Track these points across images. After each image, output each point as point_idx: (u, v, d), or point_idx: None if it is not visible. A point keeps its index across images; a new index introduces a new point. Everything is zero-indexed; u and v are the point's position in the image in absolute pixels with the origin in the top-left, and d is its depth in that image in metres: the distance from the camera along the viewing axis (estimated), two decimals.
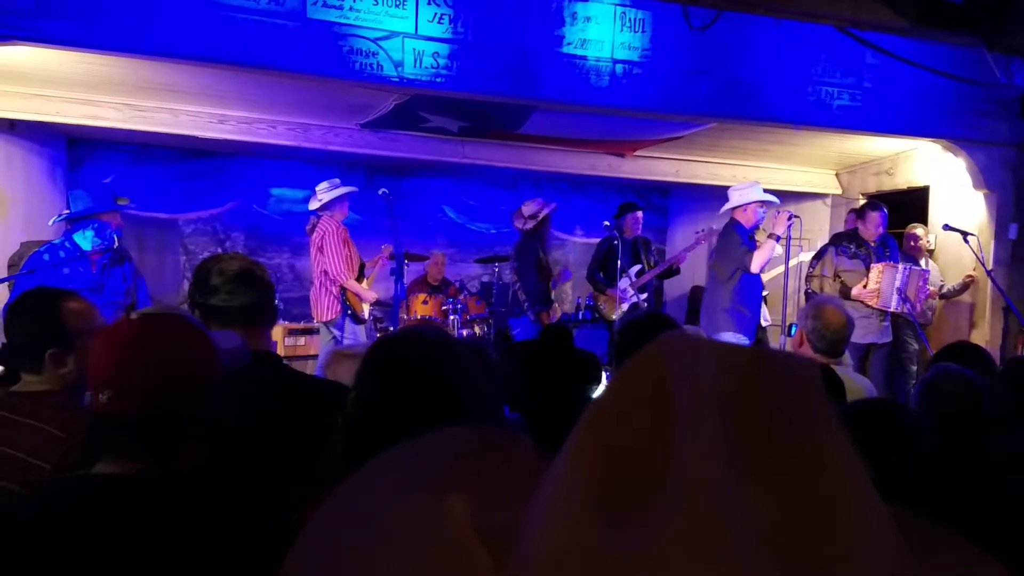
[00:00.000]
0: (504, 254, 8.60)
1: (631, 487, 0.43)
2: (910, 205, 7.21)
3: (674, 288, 8.99)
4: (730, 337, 5.37)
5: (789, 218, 5.74)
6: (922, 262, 6.58)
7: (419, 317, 7.13)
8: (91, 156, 8.00)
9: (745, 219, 5.81)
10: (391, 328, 6.69)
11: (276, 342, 7.12)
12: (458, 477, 0.54)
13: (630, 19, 5.46)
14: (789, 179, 8.33)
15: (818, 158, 7.94)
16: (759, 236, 5.85)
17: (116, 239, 4.79)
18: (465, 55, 5.17)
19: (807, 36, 5.79)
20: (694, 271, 8.76)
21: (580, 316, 7.81)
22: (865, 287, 5.95)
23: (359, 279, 6.14)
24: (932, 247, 6.96)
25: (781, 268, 6.70)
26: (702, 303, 6.13)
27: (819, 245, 7.46)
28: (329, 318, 5.96)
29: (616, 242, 6.27)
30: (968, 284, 6.69)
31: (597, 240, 7.45)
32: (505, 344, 6.76)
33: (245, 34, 4.72)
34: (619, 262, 6.13)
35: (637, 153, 7.96)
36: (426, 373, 1.37)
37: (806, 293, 6.53)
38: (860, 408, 1.86)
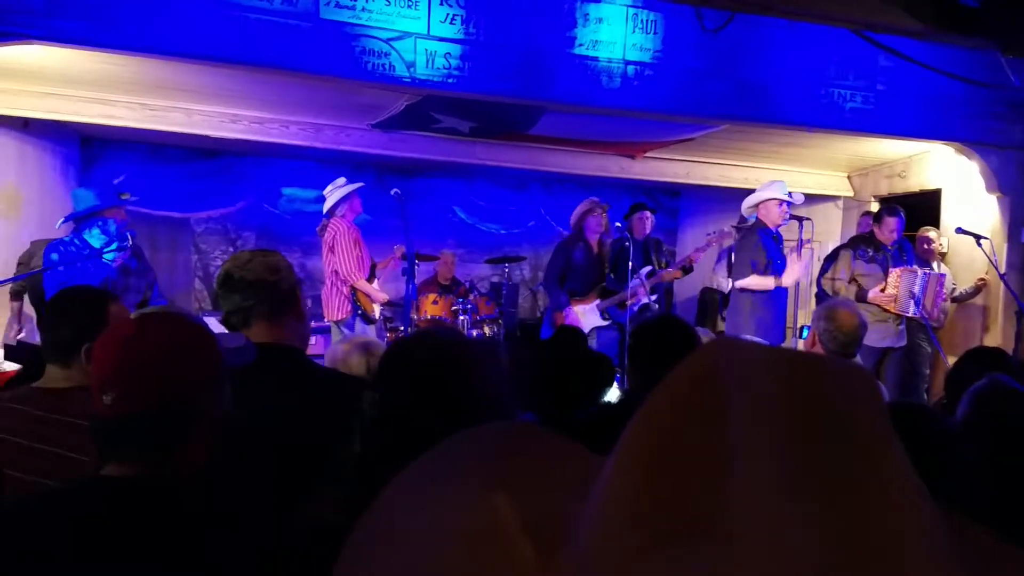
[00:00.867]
0: (514, 255, 8.60)
1: (686, 503, 0.41)
2: (922, 208, 7.17)
3: (685, 289, 8.97)
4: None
5: (781, 204, 5.75)
6: (934, 265, 6.55)
7: (429, 317, 7.13)
8: (104, 155, 8.04)
9: (769, 219, 5.81)
10: (401, 328, 6.70)
11: None
12: (503, 472, 0.54)
13: (642, 20, 5.45)
14: (801, 181, 8.30)
15: (830, 160, 7.92)
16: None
17: (130, 237, 4.81)
18: (477, 56, 5.17)
19: (820, 38, 5.77)
20: (704, 273, 8.74)
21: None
22: (883, 291, 5.91)
23: (370, 279, 6.15)
24: (945, 250, 6.92)
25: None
26: (729, 305, 6.14)
27: (830, 247, 7.44)
28: (339, 318, 5.97)
29: (627, 243, 6.26)
30: (980, 287, 6.66)
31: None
32: (516, 344, 6.77)
33: (258, 34, 4.74)
34: (630, 263, 6.12)
35: (648, 155, 7.95)
36: (443, 374, 1.37)
37: (817, 295, 6.50)
38: (898, 411, 1.85)
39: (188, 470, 1.41)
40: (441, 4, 5.07)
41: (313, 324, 7.61)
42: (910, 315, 5.90)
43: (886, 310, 5.91)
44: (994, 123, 6.45)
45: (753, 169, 8.12)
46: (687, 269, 7.09)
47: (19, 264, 5.66)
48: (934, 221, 7.11)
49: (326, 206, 6.05)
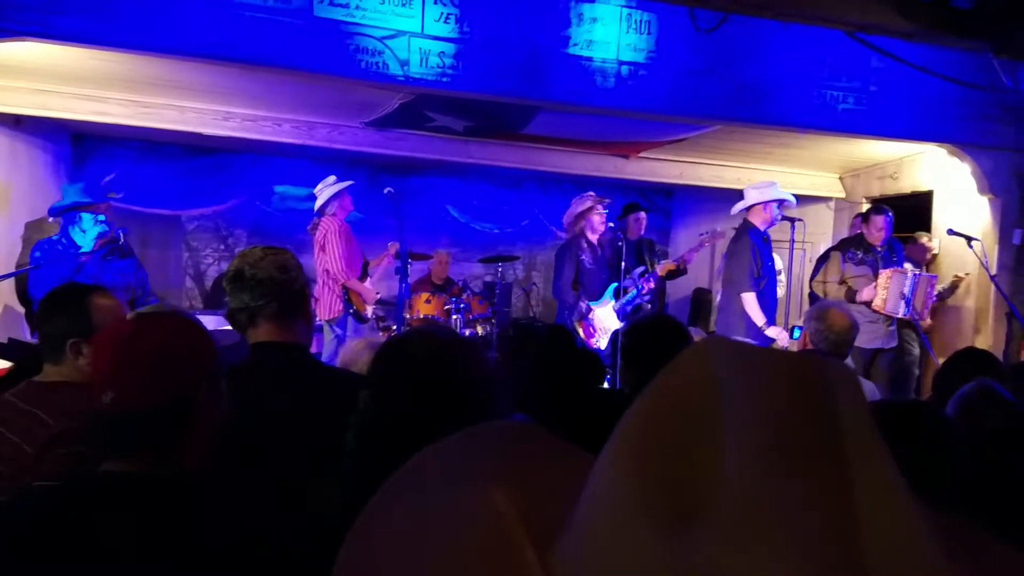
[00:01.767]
0: (508, 254, 8.60)
1: (677, 487, 0.42)
2: (914, 209, 7.20)
3: (678, 289, 8.99)
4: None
5: (779, 205, 5.76)
6: (922, 268, 6.58)
7: (422, 316, 7.13)
8: (96, 152, 8.01)
9: (761, 219, 5.81)
10: (394, 327, 6.70)
11: None
12: (503, 471, 0.54)
13: (636, 21, 5.46)
14: (793, 182, 8.32)
15: (822, 161, 7.94)
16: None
17: (121, 235, 4.80)
18: (471, 55, 5.18)
19: (813, 39, 5.79)
20: (697, 273, 8.76)
21: None
22: (874, 292, 5.94)
23: (362, 278, 6.15)
24: (936, 251, 6.96)
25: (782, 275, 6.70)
26: (718, 305, 6.13)
27: (822, 248, 7.47)
28: (331, 316, 5.97)
29: (620, 243, 6.27)
30: (957, 284, 6.69)
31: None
32: (508, 344, 6.75)
33: (252, 32, 4.73)
34: (623, 263, 6.13)
35: (642, 155, 7.96)
36: (436, 370, 1.38)
37: (810, 296, 6.52)
38: (897, 408, 1.87)
39: (186, 467, 1.42)
40: (435, 3, 5.07)
41: None
42: (900, 316, 5.93)
43: (876, 311, 5.94)
44: (986, 125, 6.48)
45: (746, 170, 8.15)
46: (681, 270, 7.10)
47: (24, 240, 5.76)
48: (926, 223, 7.14)
49: (317, 204, 6.06)
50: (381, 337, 3.57)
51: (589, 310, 6.08)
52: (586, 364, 2.44)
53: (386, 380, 1.43)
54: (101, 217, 4.74)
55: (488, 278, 9.08)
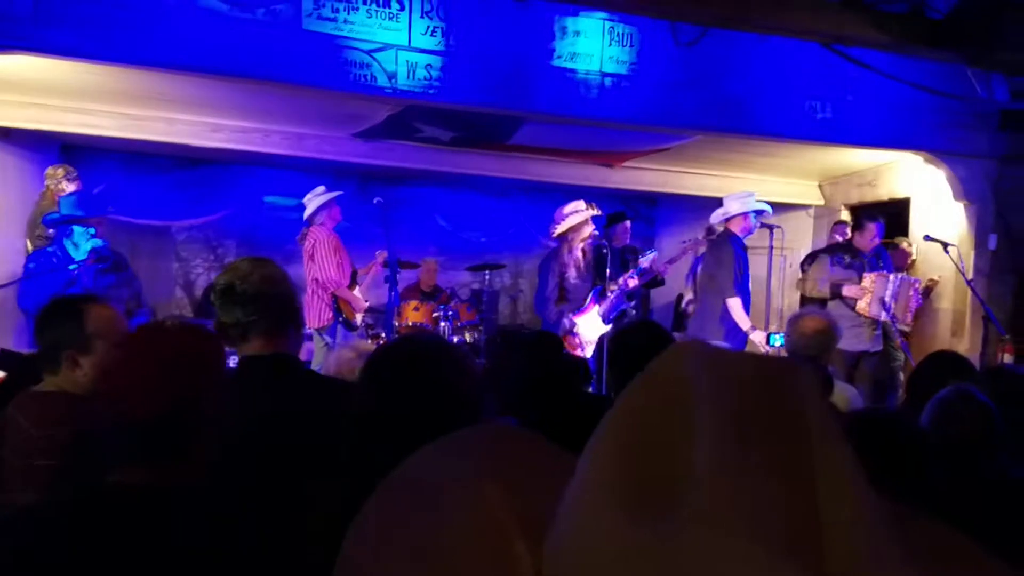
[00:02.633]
0: (494, 262, 8.68)
1: (654, 479, 0.47)
2: (892, 216, 7.33)
3: (661, 296, 9.09)
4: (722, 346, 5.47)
5: (745, 217, 5.87)
6: (903, 273, 6.70)
7: (411, 324, 7.19)
8: (84, 164, 8.01)
9: (740, 228, 5.92)
10: (383, 335, 6.76)
11: None
12: (494, 470, 0.58)
13: (618, 34, 5.58)
14: (773, 190, 8.44)
15: (802, 170, 8.06)
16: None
17: (111, 252, 4.84)
18: (457, 67, 5.27)
19: (791, 51, 5.91)
20: (680, 280, 8.86)
21: None
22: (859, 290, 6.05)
23: (351, 286, 6.21)
24: (914, 257, 7.09)
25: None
26: (696, 309, 6.21)
27: (801, 255, 7.59)
28: (320, 325, 6.03)
29: (605, 251, 6.34)
30: (931, 288, 6.82)
31: None
32: (495, 350, 6.81)
33: (241, 45, 4.81)
34: (608, 270, 6.20)
35: (625, 164, 8.06)
36: (427, 374, 1.44)
37: (803, 295, 6.60)
38: (871, 418, 1.93)
39: (191, 477, 1.44)
40: (422, 17, 5.16)
41: None
42: (882, 319, 6.03)
43: (860, 314, 6.03)
44: (961, 133, 6.62)
45: (727, 178, 8.25)
46: (658, 281, 7.17)
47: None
48: (903, 229, 7.27)
49: (306, 214, 6.12)
50: (370, 344, 3.62)
51: (573, 325, 6.05)
52: (572, 369, 2.52)
53: (379, 383, 1.49)
54: (91, 231, 4.77)
55: (476, 286, 9.15)
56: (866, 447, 1.61)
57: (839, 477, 0.47)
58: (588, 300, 6.02)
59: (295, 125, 7.05)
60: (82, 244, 4.74)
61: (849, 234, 6.65)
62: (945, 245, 6.21)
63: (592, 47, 5.52)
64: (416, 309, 7.32)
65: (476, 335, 7.54)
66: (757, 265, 7.14)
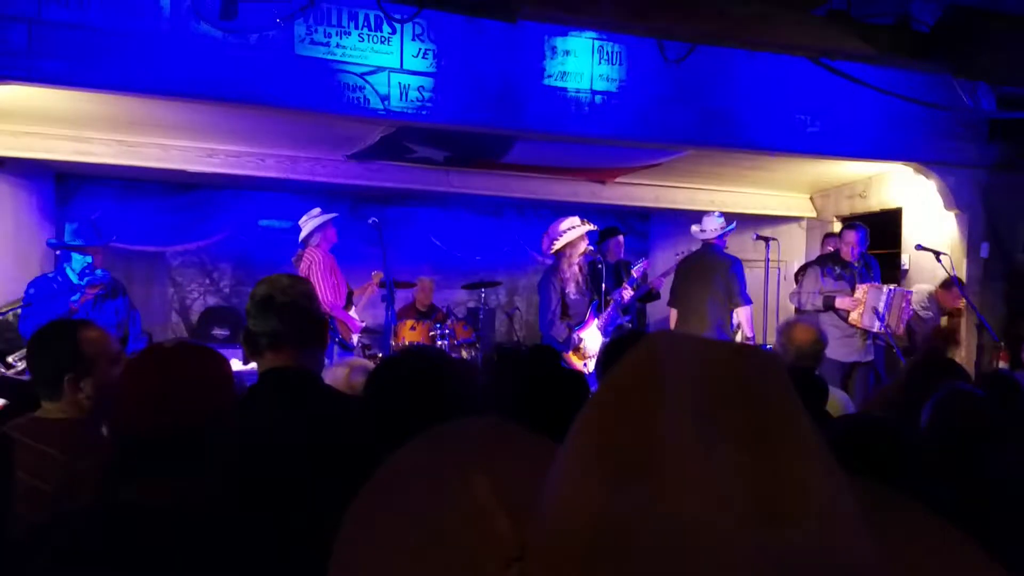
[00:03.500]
0: (490, 280, 8.70)
1: (628, 455, 0.50)
2: (884, 226, 7.38)
3: (656, 310, 9.11)
4: None
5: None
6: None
7: (407, 343, 7.21)
8: (79, 191, 8.07)
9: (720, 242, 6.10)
10: (380, 355, 6.76)
11: None
12: (481, 457, 0.63)
13: (607, 52, 5.64)
14: (765, 203, 8.51)
15: (793, 182, 8.12)
16: None
17: (109, 280, 4.87)
18: (449, 88, 5.32)
19: (780, 65, 5.97)
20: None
21: None
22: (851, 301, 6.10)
23: (347, 307, 6.23)
24: (907, 267, 7.13)
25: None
26: (691, 317, 6.29)
27: (795, 267, 7.63)
28: None
29: (600, 266, 6.37)
30: (954, 330, 6.85)
31: None
32: (493, 367, 6.80)
33: (235, 71, 4.85)
34: (603, 285, 6.23)
35: (617, 180, 8.11)
36: (428, 385, 1.46)
37: (796, 308, 6.63)
38: (859, 422, 1.95)
39: (202, 495, 1.45)
40: (413, 39, 5.22)
41: None
42: (874, 331, 6.05)
43: (853, 325, 6.06)
44: (950, 143, 6.68)
45: (719, 192, 8.31)
46: (653, 295, 7.20)
47: None
48: (895, 239, 7.32)
49: (301, 235, 6.15)
50: (364, 361, 3.64)
51: (580, 340, 6.05)
52: (570, 383, 2.53)
53: (380, 393, 1.51)
54: (88, 259, 4.79)
55: (471, 304, 9.16)
56: (854, 451, 1.64)
57: (801, 446, 0.51)
58: (587, 315, 6.04)
59: (289, 148, 7.09)
60: (78, 270, 4.76)
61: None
62: (937, 254, 6.25)
63: (582, 66, 5.58)
64: (412, 328, 7.34)
65: (473, 353, 7.55)
66: (752, 278, 7.19)
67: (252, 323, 2.09)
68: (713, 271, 6.26)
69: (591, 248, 6.47)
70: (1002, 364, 6.56)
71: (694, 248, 7.41)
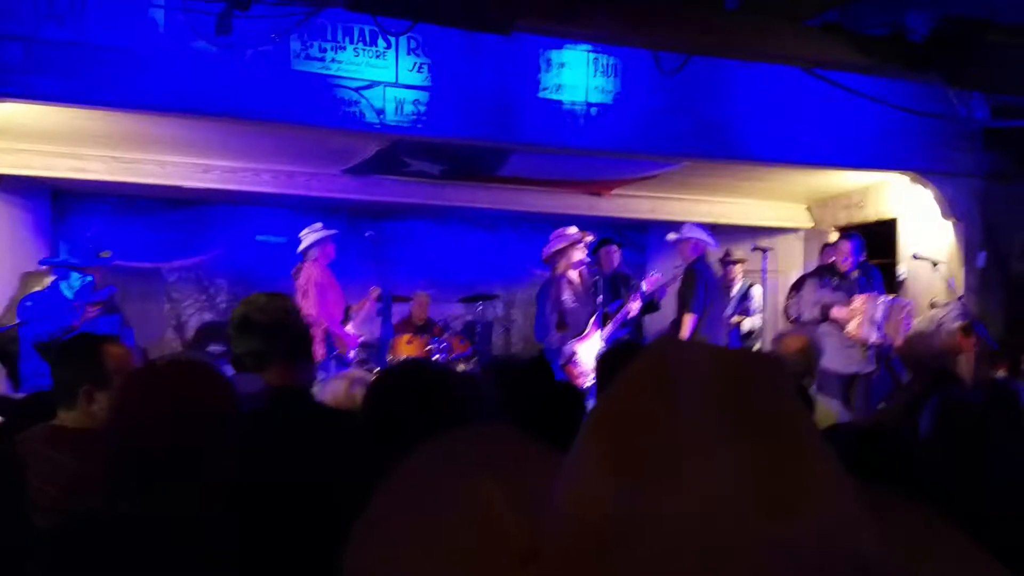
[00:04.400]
0: (486, 293, 8.69)
1: (640, 455, 0.52)
2: (881, 236, 7.38)
3: (655, 322, 9.10)
4: None
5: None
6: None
7: (404, 358, 7.19)
8: (75, 208, 8.05)
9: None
10: (377, 369, 6.75)
11: None
12: (490, 464, 0.64)
13: (602, 64, 5.65)
14: (762, 214, 8.51)
15: (789, 193, 8.13)
16: None
17: (110, 295, 4.87)
18: (445, 102, 5.33)
19: (774, 75, 5.99)
20: (674, 305, 8.88)
21: None
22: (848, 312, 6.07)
23: (344, 322, 6.22)
24: (904, 277, 7.13)
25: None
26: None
27: (794, 277, 7.62)
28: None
29: (596, 278, 6.36)
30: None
31: None
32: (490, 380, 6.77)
33: (231, 86, 4.85)
34: (599, 296, 6.22)
35: (614, 192, 8.12)
36: (425, 395, 1.46)
37: (794, 320, 6.62)
38: (854, 432, 1.96)
39: (199, 509, 1.45)
40: (408, 53, 5.23)
41: None
42: (872, 341, 6.03)
43: (851, 336, 6.04)
44: (945, 152, 6.69)
45: (716, 203, 8.32)
46: (654, 307, 7.19)
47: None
48: (892, 249, 7.32)
49: (300, 247, 6.16)
50: (362, 373, 3.64)
51: (574, 353, 6.03)
52: (565, 395, 2.53)
53: (379, 405, 1.51)
54: (89, 279, 4.79)
55: (468, 317, 9.15)
56: (846, 458, 1.63)
57: (807, 445, 0.53)
58: (590, 326, 6.03)
59: (285, 163, 7.09)
60: (75, 287, 4.76)
61: None
62: (934, 263, 6.25)
63: (577, 78, 5.59)
64: (409, 343, 7.32)
65: (470, 367, 7.53)
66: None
67: (234, 345, 2.12)
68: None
69: (588, 260, 6.47)
70: (1000, 373, 6.54)
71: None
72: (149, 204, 8.20)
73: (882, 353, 6.19)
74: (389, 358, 6.63)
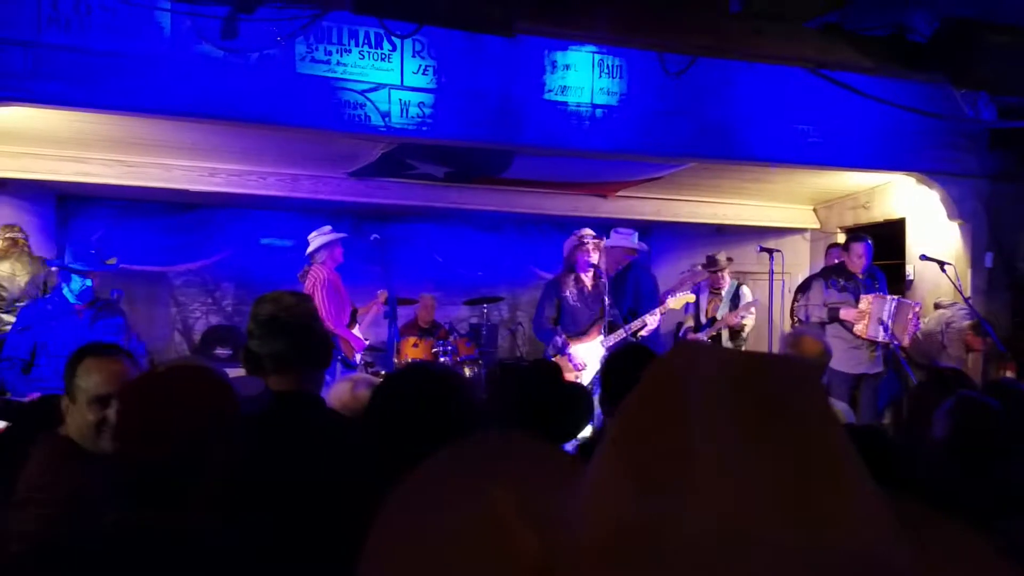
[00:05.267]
0: (491, 295, 8.69)
1: (658, 463, 0.52)
2: (888, 237, 7.37)
3: (662, 324, 9.09)
4: None
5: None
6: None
7: (410, 361, 7.19)
8: (80, 212, 8.08)
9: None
10: (383, 372, 6.75)
11: None
12: (503, 471, 0.63)
13: (608, 66, 5.65)
14: (768, 215, 8.50)
15: (795, 194, 8.12)
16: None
17: (117, 297, 4.88)
18: (450, 104, 5.33)
19: (779, 76, 5.98)
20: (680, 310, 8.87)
21: None
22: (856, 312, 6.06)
23: (351, 325, 6.22)
24: (911, 277, 7.11)
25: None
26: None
27: (800, 279, 7.61)
28: None
29: (604, 280, 6.34)
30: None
31: None
32: (496, 382, 6.77)
33: (236, 90, 4.86)
34: (605, 299, 6.20)
35: (619, 194, 8.11)
36: (431, 397, 1.45)
37: (800, 321, 6.60)
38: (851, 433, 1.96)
39: (200, 516, 1.45)
40: (413, 56, 5.23)
41: None
42: (880, 340, 6.02)
43: (859, 336, 6.03)
44: (952, 153, 6.67)
45: (721, 205, 8.31)
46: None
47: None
48: (899, 250, 7.30)
49: (308, 250, 6.17)
50: (367, 375, 3.64)
51: (566, 344, 6.03)
52: (572, 397, 2.52)
53: (386, 408, 1.51)
54: (88, 283, 4.78)
55: (474, 320, 9.15)
56: None
57: (836, 452, 0.52)
58: (591, 329, 6.02)
59: (290, 166, 7.10)
60: (76, 290, 4.75)
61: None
62: (942, 264, 6.23)
63: (582, 80, 5.59)
64: (415, 345, 7.32)
65: (476, 369, 7.52)
66: (758, 290, 7.18)
67: (255, 344, 2.02)
68: None
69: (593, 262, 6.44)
70: (1008, 374, 6.52)
71: (698, 263, 7.42)
72: (154, 208, 8.22)
73: (888, 354, 6.18)
74: (395, 361, 6.62)
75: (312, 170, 7.22)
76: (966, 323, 6.31)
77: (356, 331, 6.28)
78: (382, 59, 5.15)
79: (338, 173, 7.25)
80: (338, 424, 2.13)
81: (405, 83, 5.22)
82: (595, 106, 5.64)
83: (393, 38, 5.00)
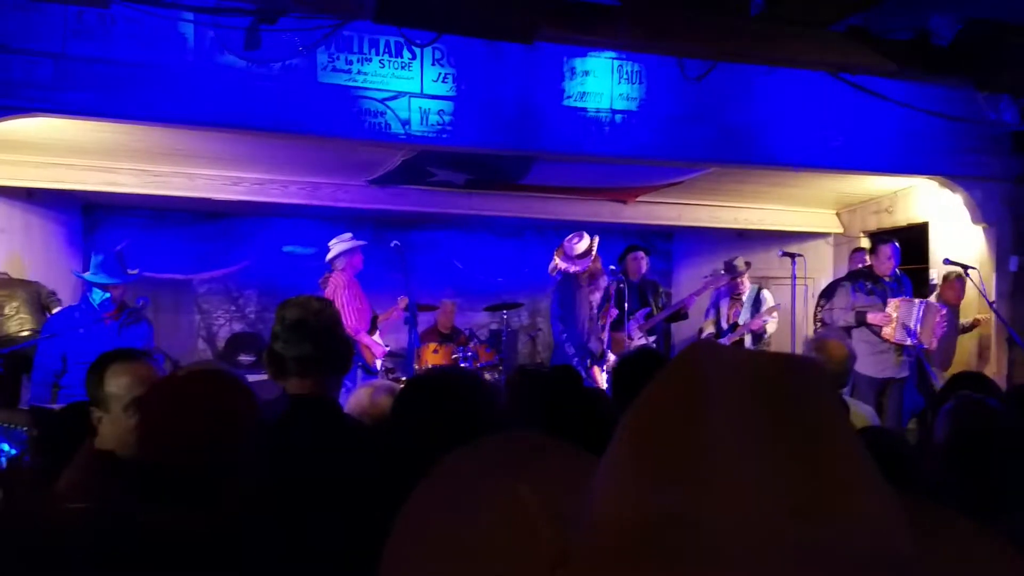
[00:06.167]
0: (511, 301, 8.71)
1: (674, 458, 0.52)
2: (911, 241, 7.30)
3: (683, 330, 9.07)
4: None
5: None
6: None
7: (430, 367, 7.21)
8: (106, 221, 8.19)
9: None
10: (403, 378, 6.78)
11: None
12: (524, 469, 0.64)
13: (627, 71, 5.65)
14: (790, 220, 8.46)
15: (818, 198, 8.07)
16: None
17: (143, 304, 4.94)
18: (469, 111, 5.35)
19: (800, 80, 5.96)
20: (702, 314, 8.84)
21: None
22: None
23: (371, 331, 6.25)
24: (936, 281, 7.05)
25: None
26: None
27: (823, 283, 7.56)
28: None
29: (622, 285, 6.35)
30: (976, 324, 6.75)
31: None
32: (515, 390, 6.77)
33: (259, 100, 4.91)
34: (626, 305, 6.21)
35: (639, 199, 8.10)
36: (454, 402, 1.47)
37: (820, 323, 6.56)
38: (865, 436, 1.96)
39: (221, 519, 1.45)
40: (433, 64, 5.26)
41: None
42: (907, 344, 5.96)
43: (886, 340, 5.98)
44: (975, 156, 6.61)
45: (742, 209, 8.28)
46: (682, 315, 7.16)
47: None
48: (923, 254, 7.24)
49: (328, 256, 6.21)
50: (387, 382, 3.66)
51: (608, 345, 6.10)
52: (593, 401, 2.52)
53: (409, 411, 1.52)
54: (107, 295, 4.82)
55: (494, 326, 9.17)
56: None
57: (844, 448, 0.52)
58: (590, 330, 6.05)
59: (312, 175, 7.16)
60: (98, 300, 4.79)
61: (868, 260, 6.62)
62: (966, 268, 6.17)
63: (602, 86, 5.60)
64: (435, 351, 7.34)
65: (496, 375, 7.53)
66: (781, 295, 7.14)
67: (281, 346, 2.03)
68: None
69: (612, 268, 6.45)
70: None
71: (719, 268, 7.38)
72: (179, 216, 8.32)
73: (914, 359, 6.13)
74: (415, 367, 6.65)
75: (333, 178, 7.28)
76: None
77: (376, 337, 6.31)
78: (402, 68, 5.19)
79: (359, 181, 7.30)
80: (355, 430, 2.14)
81: (425, 91, 5.25)
82: (614, 112, 5.65)
83: (413, 47, 5.04)
